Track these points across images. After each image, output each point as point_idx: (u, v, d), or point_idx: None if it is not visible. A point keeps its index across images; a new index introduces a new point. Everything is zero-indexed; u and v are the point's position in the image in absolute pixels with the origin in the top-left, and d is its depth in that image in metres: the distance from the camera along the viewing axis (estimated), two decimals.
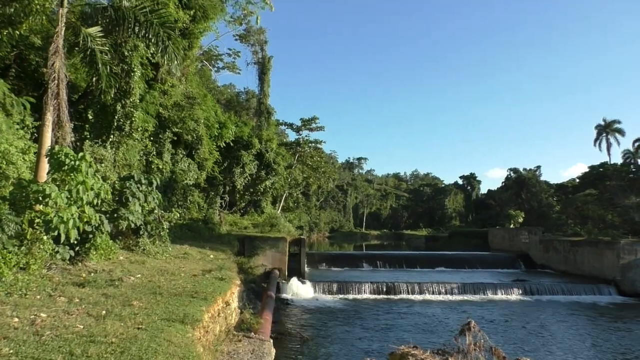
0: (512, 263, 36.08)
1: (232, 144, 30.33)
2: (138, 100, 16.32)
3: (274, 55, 51.82)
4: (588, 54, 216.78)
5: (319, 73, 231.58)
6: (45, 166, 10.42)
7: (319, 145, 48.22)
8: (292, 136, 55.51)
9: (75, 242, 10.23)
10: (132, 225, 12.99)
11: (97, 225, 10.62)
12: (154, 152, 21.10)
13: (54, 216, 8.52)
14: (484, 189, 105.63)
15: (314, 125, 45.85)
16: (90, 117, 15.76)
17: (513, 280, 27.85)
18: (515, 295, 24.92)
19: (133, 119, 16.23)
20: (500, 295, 24.83)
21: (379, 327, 17.10)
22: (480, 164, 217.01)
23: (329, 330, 16.81)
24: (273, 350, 9.99)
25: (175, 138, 23.61)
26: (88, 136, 15.78)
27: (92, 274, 10.06)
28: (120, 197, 12.94)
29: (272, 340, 10.31)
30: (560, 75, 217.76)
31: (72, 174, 9.11)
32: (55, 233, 8.68)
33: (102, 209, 12.14)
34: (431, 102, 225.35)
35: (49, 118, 11.36)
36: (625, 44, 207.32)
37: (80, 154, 9.14)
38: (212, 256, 17.12)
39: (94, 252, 11.25)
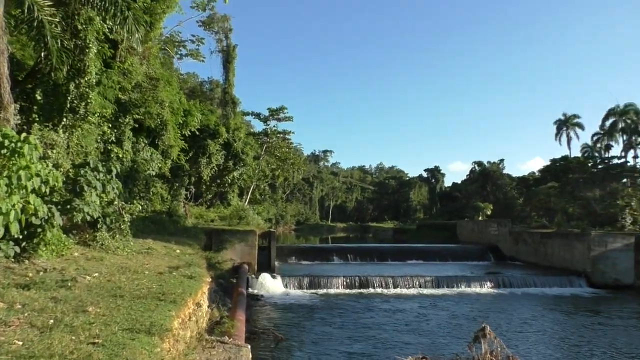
0: (482, 255, 36.06)
1: (197, 133, 28.78)
2: (94, 81, 14.75)
3: (238, 44, 50.10)
4: (543, 51, 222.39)
5: (284, 66, 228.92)
6: None
7: (287, 136, 46.92)
8: (259, 127, 54.09)
9: (21, 237, 8.86)
10: (89, 218, 11.59)
11: (46, 217, 9.23)
12: (113, 139, 19.47)
13: None
14: (447, 182, 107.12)
15: (282, 115, 44.41)
16: (39, 97, 14.04)
17: (486, 273, 27.61)
18: (488, 289, 24.67)
19: (89, 101, 14.60)
20: (474, 289, 24.54)
21: (357, 325, 16.20)
22: (442, 157, 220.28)
23: (305, 330, 15.83)
24: (250, 356, 8.91)
25: (137, 125, 22.02)
26: (37, 119, 14.10)
27: (41, 273, 8.72)
28: (74, 187, 11.49)
29: (249, 346, 9.21)
30: (516, 73, 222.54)
31: (13, 158, 7.73)
32: None
33: (53, 200, 10.70)
34: (394, 97, 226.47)
35: None
36: (580, 39, 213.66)
37: (23, 134, 7.75)
38: (178, 251, 15.86)
39: (44, 248, 9.87)
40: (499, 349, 5.90)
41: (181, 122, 25.45)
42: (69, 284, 8.06)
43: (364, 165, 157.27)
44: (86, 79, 14.11)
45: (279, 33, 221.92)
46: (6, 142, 7.58)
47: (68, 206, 11.03)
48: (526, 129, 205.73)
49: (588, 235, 27.23)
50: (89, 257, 11.06)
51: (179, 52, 47.11)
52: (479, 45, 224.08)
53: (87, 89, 14.36)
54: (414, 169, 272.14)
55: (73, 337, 5.34)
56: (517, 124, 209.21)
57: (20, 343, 4.94)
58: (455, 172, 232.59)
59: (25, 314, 6.11)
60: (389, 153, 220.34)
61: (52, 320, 5.93)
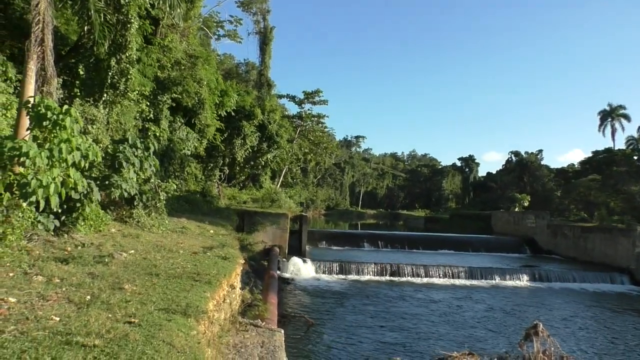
0: (518, 247, 35.10)
1: (233, 114, 28.69)
2: (135, 57, 14.73)
3: (275, 26, 49.79)
4: (586, 39, 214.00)
5: (319, 50, 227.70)
6: (25, 122, 8.99)
7: (322, 120, 46.51)
8: (293, 110, 53.96)
9: (60, 211, 8.89)
10: (126, 195, 11.60)
11: (85, 192, 9.23)
12: (151, 117, 19.54)
13: (32, 179, 7.12)
14: (481, 172, 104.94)
15: (317, 98, 44.01)
16: (82, 72, 14.14)
17: (522, 266, 26.83)
18: (525, 282, 23.95)
19: (129, 77, 14.60)
20: (509, 281, 23.88)
21: (390, 314, 15.91)
22: (476, 146, 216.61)
23: (336, 316, 15.63)
24: (283, 341, 8.75)
25: (174, 104, 22.05)
26: (78, 93, 14.20)
27: (79, 248, 8.74)
28: (112, 162, 11.49)
29: (282, 331, 9.05)
30: (559, 61, 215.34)
31: (54, 131, 7.68)
32: (33, 199, 7.28)
33: (92, 175, 10.73)
34: (430, 83, 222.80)
35: (32, 68, 9.85)
36: (623, 29, 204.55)
37: (65, 107, 7.68)
38: (212, 231, 15.83)
39: (82, 223, 9.90)
40: (552, 349, 5.49)
41: (217, 102, 25.37)
42: (106, 260, 8.03)
43: (396, 152, 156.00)
44: (127, 54, 14.05)
45: (312, 18, 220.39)
46: (48, 114, 7.53)
47: (106, 182, 11.05)
48: (565, 120, 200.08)
49: (634, 231, 26.08)
50: (126, 234, 11.08)
51: (217, 33, 47.06)
52: (517, 33, 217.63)
53: (127, 65, 14.33)
54: (447, 158, 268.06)
55: (109, 315, 5.22)
56: (556, 114, 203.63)
57: (58, 319, 4.84)
58: (490, 162, 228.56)
59: (63, 289, 6.06)
60: (422, 140, 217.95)
61: (89, 297, 5.84)
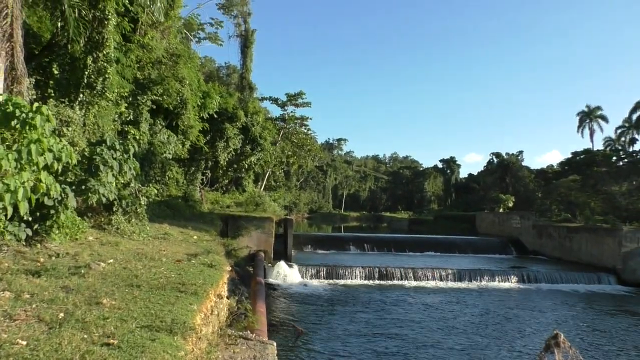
0: (503, 248, 35.00)
1: (215, 116, 27.99)
2: (113, 55, 14.00)
3: (257, 29, 49.12)
4: (564, 41, 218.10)
5: (301, 52, 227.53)
6: None
7: (305, 122, 45.95)
8: (276, 112, 53.36)
9: (32, 218, 8.24)
10: (104, 200, 10.90)
11: (59, 198, 8.56)
12: (130, 119, 18.77)
13: None
14: (462, 174, 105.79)
15: (300, 100, 43.45)
16: (56, 71, 13.33)
17: (510, 267, 26.65)
18: (513, 283, 23.73)
19: (106, 76, 13.86)
20: (498, 283, 23.62)
21: (382, 320, 15.38)
22: (457, 148, 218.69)
23: (326, 324, 15.05)
24: (276, 353, 8.19)
25: (154, 107, 21.31)
26: (53, 94, 13.39)
27: (53, 259, 8.08)
28: (89, 166, 10.77)
29: (275, 343, 8.49)
30: (537, 63, 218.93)
31: (24, 131, 7.01)
32: (0, 205, 6.61)
33: (67, 179, 10.04)
34: (411, 87, 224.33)
35: (0, 65, 9.13)
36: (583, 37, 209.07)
37: (35, 104, 7.03)
38: (195, 237, 15.18)
39: (57, 232, 9.19)
40: None
41: (200, 104, 24.69)
42: (82, 271, 7.39)
43: (377, 155, 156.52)
44: (104, 52, 13.32)
45: (295, 20, 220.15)
46: (17, 112, 6.86)
47: (83, 187, 10.35)
48: (542, 122, 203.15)
49: (619, 231, 26.07)
50: (104, 242, 10.42)
51: (197, 36, 46.24)
52: (496, 35, 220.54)
53: (105, 64, 13.60)
54: (428, 160, 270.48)
55: (85, 336, 4.62)
56: (533, 116, 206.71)
57: (24, 343, 4.22)
58: (471, 164, 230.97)
59: (34, 306, 5.43)
60: (403, 143, 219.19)
61: (62, 314, 5.23)
